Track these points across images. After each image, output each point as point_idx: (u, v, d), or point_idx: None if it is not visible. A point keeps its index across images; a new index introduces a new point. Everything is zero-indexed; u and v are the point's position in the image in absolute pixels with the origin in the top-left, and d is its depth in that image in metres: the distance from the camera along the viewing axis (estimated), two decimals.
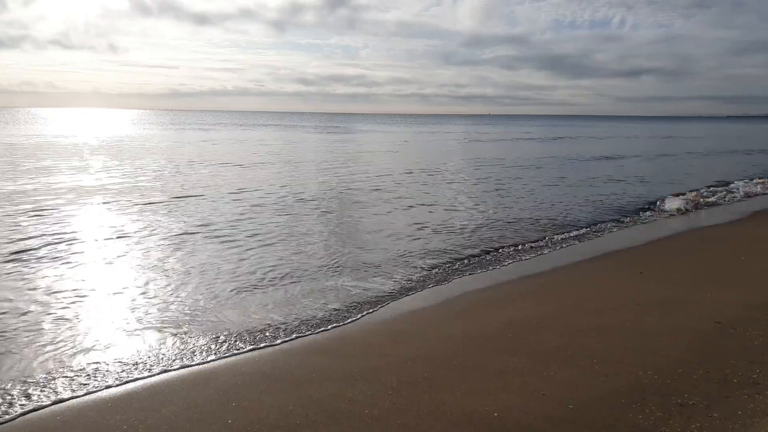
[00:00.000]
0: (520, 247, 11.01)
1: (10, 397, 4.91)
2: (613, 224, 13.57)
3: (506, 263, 9.84)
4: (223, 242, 10.99)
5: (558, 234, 12.21)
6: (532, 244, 11.24)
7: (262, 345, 6.16)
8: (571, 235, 12.22)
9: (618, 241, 11.62)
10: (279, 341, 6.28)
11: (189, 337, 6.38)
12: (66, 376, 5.35)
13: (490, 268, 9.55)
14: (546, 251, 10.77)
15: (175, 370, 5.52)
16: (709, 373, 4.77)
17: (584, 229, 12.92)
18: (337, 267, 9.40)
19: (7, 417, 4.56)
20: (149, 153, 33.36)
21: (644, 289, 7.70)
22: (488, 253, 10.52)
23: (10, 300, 7.52)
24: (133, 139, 49.55)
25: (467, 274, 9.20)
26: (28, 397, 4.95)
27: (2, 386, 5.12)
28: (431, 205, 15.92)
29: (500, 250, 10.70)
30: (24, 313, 7.03)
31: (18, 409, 4.70)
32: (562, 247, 11.15)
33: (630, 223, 13.77)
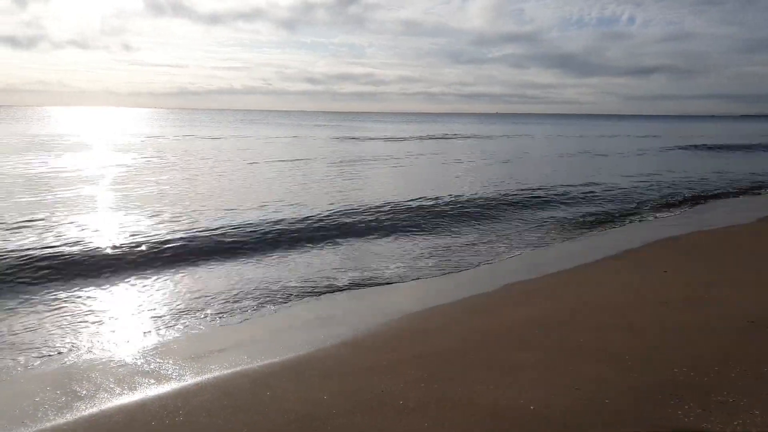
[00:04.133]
0: (535, 245, 10.97)
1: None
2: (633, 221, 13.49)
3: (524, 261, 9.80)
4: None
5: (576, 230, 12.16)
6: (552, 240, 11.20)
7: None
8: (590, 231, 12.17)
9: (638, 238, 11.52)
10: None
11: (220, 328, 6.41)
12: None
13: (507, 265, 9.52)
14: (565, 248, 10.72)
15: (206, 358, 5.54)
16: (747, 372, 4.71)
17: (603, 226, 12.84)
18: (353, 261, 9.41)
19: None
20: (240, 155, 30.85)
21: (669, 288, 7.63)
22: (504, 251, 10.49)
23: None
24: (183, 140, 45.40)
25: (484, 269, 9.20)
26: (76, 395, 4.96)
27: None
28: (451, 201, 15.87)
29: (516, 249, 10.66)
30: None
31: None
32: (580, 243, 11.10)
33: (650, 221, 13.68)
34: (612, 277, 8.55)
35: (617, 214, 14.25)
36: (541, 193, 17.42)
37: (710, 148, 42.00)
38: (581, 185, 19.35)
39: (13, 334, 6.29)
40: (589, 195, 17.35)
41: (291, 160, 27.07)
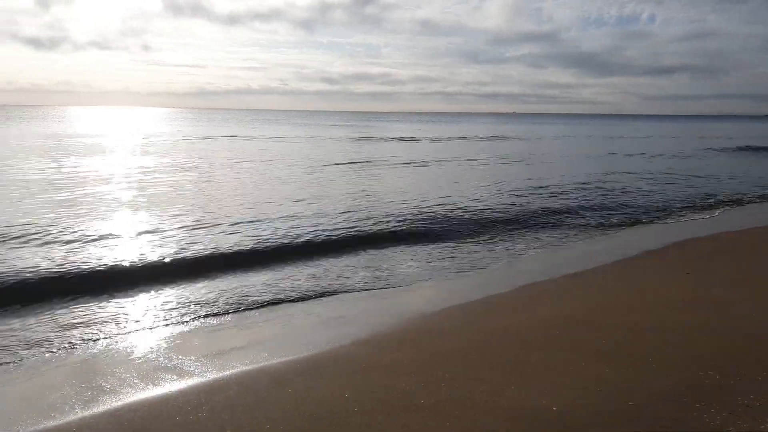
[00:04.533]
0: (556, 245, 10.90)
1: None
2: (655, 222, 13.34)
3: (541, 262, 9.75)
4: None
5: (597, 231, 12.06)
6: (571, 241, 11.12)
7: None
8: (612, 233, 12.05)
9: (660, 239, 11.39)
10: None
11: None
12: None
13: (524, 266, 9.47)
14: (585, 249, 10.63)
15: (226, 355, 5.59)
16: None
17: (625, 227, 12.71)
18: (369, 262, 9.42)
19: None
20: (289, 156, 30.42)
21: (693, 290, 7.54)
22: (520, 252, 10.44)
23: None
24: (216, 141, 44.08)
25: (501, 270, 9.16)
26: (113, 392, 5.03)
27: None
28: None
29: (537, 249, 10.60)
30: None
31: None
32: (600, 244, 11.01)
33: (671, 222, 13.51)
34: (633, 278, 8.47)
35: (641, 215, 14.10)
36: (561, 193, 17.30)
37: (741, 149, 41.20)
38: (603, 185, 19.21)
39: (42, 333, 6.40)
40: (609, 195, 17.20)
41: (326, 165, 27.11)
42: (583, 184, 19.58)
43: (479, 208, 14.41)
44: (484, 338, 5.93)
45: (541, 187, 18.25)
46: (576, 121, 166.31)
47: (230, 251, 9.58)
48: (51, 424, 4.28)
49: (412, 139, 50.70)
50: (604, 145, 45.77)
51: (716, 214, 14.69)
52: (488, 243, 10.94)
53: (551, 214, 13.73)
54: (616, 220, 13.37)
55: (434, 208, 14.11)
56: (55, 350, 5.88)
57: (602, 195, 17.16)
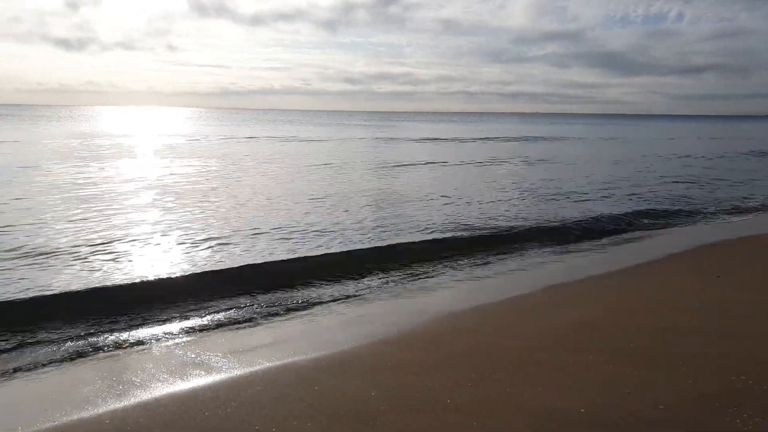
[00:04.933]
0: (582, 249, 10.78)
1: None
2: (686, 224, 13.11)
3: (566, 263, 9.66)
4: None
5: (623, 233, 11.90)
6: (596, 243, 10.99)
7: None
8: (640, 234, 11.89)
9: (690, 242, 11.20)
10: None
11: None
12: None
13: (548, 267, 9.39)
14: (612, 251, 10.51)
15: (253, 352, 5.65)
16: None
17: (654, 228, 12.52)
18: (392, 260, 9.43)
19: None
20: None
21: (724, 293, 7.40)
22: (553, 251, 10.36)
23: None
24: (252, 142, 42.81)
25: (531, 271, 9.10)
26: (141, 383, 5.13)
27: None
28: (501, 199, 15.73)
29: (562, 249, 10.50)
30: None
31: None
32: (628, 246, 10.86)
33: (703, 224, 13.27)
34: (660, 281, 8.35)
35: (670, 217, 13.86)
36: (587, 194, 17.12)
37: None
38: (633, 187, 18.97)
39: (76, 330, 6.55)
40: (638, 197, 16.97)
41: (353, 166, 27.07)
42: (611, 186, 19.33)
43: (508, 213, 14.31)
44: (509, 339, 5.89)
45: (568, 191, 18.03)
46: (601, 121, 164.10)
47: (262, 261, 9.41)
48: (85, 415, 4.37)
49: (448, 139, 50.10)
50: (632, 146, 44.89)
51: (751, 217, 14.36)
52: (510, 244, 10.86)
53: (577, 218, 13.49)
54: (646, 221, 13.17)
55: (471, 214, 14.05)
56: (87, 346, 6.00)
57: (630, 196, 16.92)
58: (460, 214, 13.52)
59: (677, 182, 21.12)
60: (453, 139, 50.45)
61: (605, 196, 16.99)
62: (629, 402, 4.32)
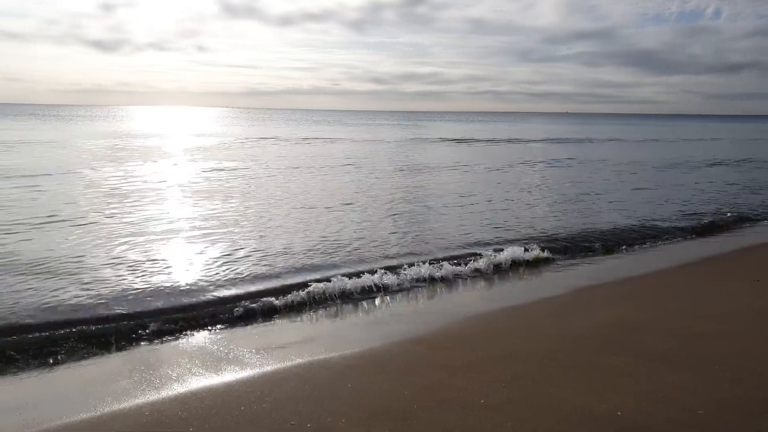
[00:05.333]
0: (615, 248, 10.60)
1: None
2: (729, 230, 12.75)
3: (602, 264, 9.53)
4: None
5: (657, 235, 11.67)
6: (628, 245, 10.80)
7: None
8: (672, 237, 11.64)
9: (729, 246, 10.94)
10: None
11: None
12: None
13: (578, 268, 9.27)
14: (645, 252, 10.33)
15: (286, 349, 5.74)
16: None
17: (695, 231, 12.22)
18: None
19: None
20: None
21: (761, 297, 7.24)
22: (582, 252, 10.22)
23: None
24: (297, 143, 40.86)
25: (561, 273, 9.01)
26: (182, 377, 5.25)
27: None
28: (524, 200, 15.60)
29: (594, 251, 10.34)
30: None
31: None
32: (661, 248, 10.66)
33: (746, 227, 12.93)
34: (697, 283, 8.22)
35: (712, 219, 13.50)
36: (626, 201, 16.83)
37: None
38: (671, 192, 18.54)
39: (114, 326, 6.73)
40: (675, 200, 16.60)
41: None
42: (649, 189, 18.84)
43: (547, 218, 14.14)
44: (541, 340, 5.86)
45: (598, 194, 17.72)
46: (636, 121, 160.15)
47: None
48: (125, 405, 4.50)
49: (492, 141, 48.70)
50: (669, 149, 42.64)
51: None
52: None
53: (616, 224, 13.06)
54: (685, 224, 12.86)
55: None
56: (124, 341, 6.15)
57: (666, 201, 16.43)
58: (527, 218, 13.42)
59: (721, 184, 20.43)
60: (524, 140, 49.51)
61: (647, 200, 16.59)
62: (667, 406, 4.26)
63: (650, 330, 6.06)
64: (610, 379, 4.80)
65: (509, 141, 48.47)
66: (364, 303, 7.50)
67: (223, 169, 22.51)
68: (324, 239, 10.57)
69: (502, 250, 9.55)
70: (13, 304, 6.97)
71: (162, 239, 10.47)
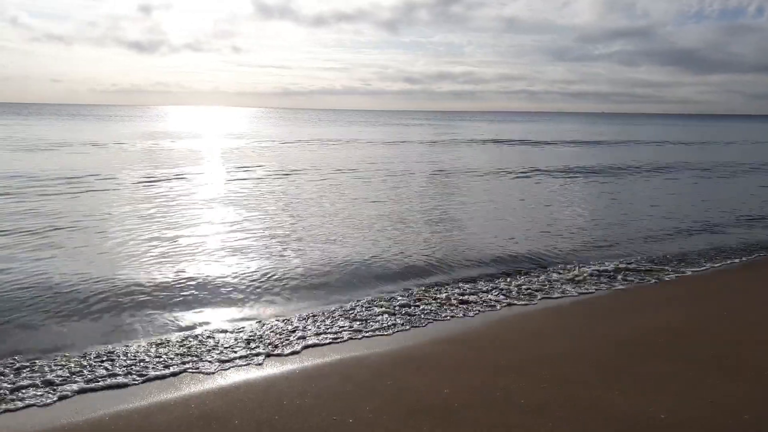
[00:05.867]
0: (660, 254, 10.32)
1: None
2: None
3: (646, 268, 9.29)
4: None
5: (703, 239, 11.34)
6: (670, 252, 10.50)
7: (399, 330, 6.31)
8: (718, 242, 11.27)
9: None
10: (410, 328, 6.39)
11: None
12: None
13: (630, 272, 9.05)
14: (691, 257, 10.03)
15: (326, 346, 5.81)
16: None
17: (732, 237, 11.80)
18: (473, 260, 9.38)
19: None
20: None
21: None
22: (630, 256, 10.00)
23: None
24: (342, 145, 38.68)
25: (605, 277, 8.82)
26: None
27: None
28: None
29: (639, 256, 10.10)
30: None
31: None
32: (707, 254, 10.33)
33: None
34: (741, 287, 8.02)
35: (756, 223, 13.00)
36: (674, 212, 16.38)
37: None
38: (709, 198, 17.98)
39: (160, 320, 6.90)
40: (718, 207, 16.09)
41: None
42: (693, 199, 18.07)
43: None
44: (582, 342, 5.80)
45: (627, 201, 17.24)
46: (678, 121, 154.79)
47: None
48: (170, 396, 4.61)
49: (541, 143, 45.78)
50: (713, 151, 40.25)
51: None
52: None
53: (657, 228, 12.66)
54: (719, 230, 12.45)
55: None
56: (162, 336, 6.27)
57: (709, 209, 15.79)
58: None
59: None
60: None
61: (696, 207, 16.12)
62: (712, 411, 4.17)
63: (693, 334, 5.96)
64: (653, 382, 4.73)
65: (587, 143, 45.53)
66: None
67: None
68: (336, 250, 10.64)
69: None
70: None
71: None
